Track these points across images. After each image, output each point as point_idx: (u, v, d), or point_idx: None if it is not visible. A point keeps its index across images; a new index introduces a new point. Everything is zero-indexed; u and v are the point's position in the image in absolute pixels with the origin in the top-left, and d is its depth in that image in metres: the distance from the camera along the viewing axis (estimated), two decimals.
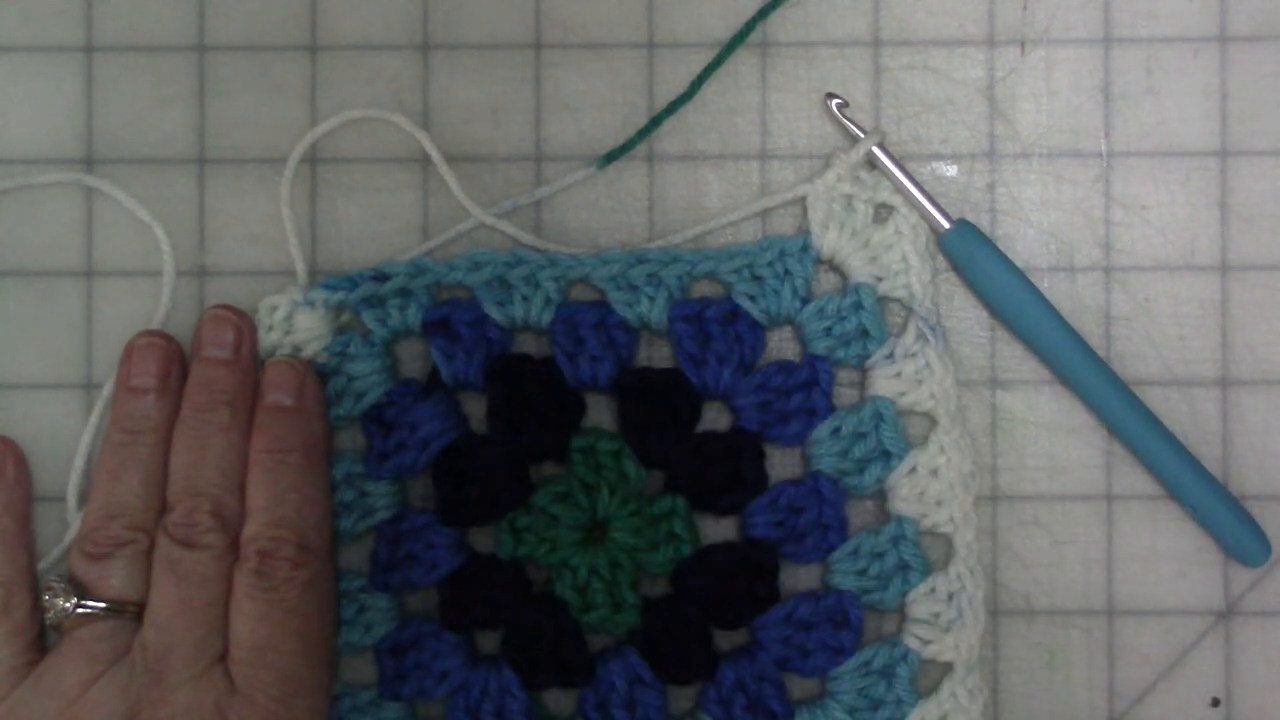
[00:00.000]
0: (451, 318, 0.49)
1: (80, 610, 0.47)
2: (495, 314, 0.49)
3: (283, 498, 0.47)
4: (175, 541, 0.46)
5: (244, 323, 0.49)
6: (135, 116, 0.51)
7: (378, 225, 0.51)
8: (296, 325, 0.49)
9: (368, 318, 0.49)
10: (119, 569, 0.47)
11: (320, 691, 0.47)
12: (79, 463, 0.50)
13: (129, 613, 0.47)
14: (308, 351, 0.49)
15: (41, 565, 0.49)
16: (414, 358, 0.50)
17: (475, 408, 0.50)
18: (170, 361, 0.49)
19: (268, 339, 0.49)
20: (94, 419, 0.50)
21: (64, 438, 0.50)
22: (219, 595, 0.46)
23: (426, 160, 0.50)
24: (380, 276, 0.49)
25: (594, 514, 0.49)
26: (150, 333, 0.49)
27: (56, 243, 0.51)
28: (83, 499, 0.50)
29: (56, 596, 0.47)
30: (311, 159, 0.51)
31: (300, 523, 0.47)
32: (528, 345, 0.50)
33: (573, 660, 0.49)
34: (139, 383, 0.48)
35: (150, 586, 0.47)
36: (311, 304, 0.49)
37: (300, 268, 0.50)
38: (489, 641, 0.50)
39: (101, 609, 0.47)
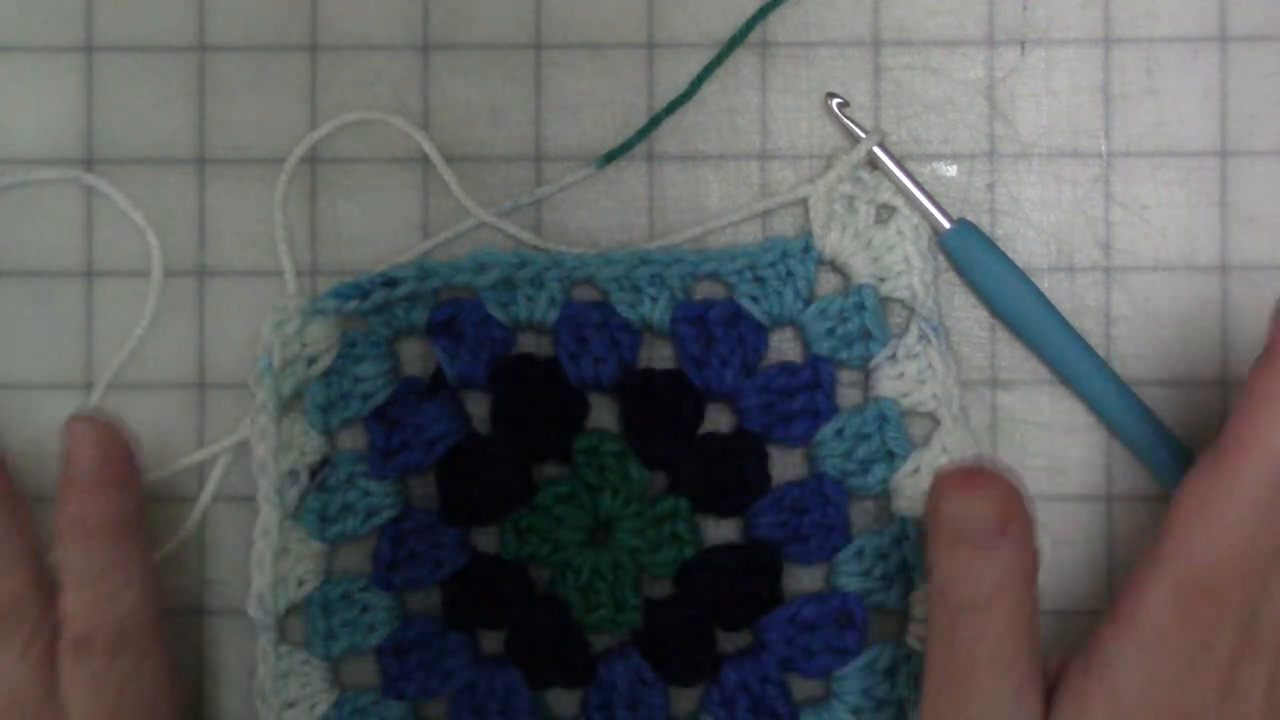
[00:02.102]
0: (458, 318, 0.49)
1: None
2: (499, 314, 0.49)
3: (93, 582, 0.44)
4: None
5: None
6: (135, 116, 0.51)
7: (378, 225, 0.51)
8: (309, 336, 0.49)
9: (373, 320, 0.49)
10: None
11: None
12: None
13: None
14: (323, 362, 0.49)
15: None
16: (414, 355, 0.50)
17: (477, 407, 0.50)
18: None
19: (283, 353, 0.49)
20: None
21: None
22: (31, 695, 0.44)
23: (426, 160, 0.50)
24: (391, 282, 0.49)
25: (597, 515, 0.49)
26: None
27: (56, 243, 0.51)
28: None
29: None
30: (311, 159, 0.51)
31: (115, 609, 0.44)
32: (530, 345, 0.50)
33: (575, 661, 0.49)
34: None
35: None
36: (323, 312, 0.49)
37: (289, 274, 0.50)
38: (490, 641, 0.50)
39: None
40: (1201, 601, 0.41)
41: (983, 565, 0.40)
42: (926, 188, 0.49)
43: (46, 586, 0.45)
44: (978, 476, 0.41)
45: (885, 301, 0.50)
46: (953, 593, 0.41)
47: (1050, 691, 0.42)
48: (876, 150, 0.49)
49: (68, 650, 0.44)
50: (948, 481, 0.41)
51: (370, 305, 0.49)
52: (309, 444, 0.49)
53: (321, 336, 0.49)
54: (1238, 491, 0.40)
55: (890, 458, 0.49)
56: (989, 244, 0.49)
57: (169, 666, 0.46)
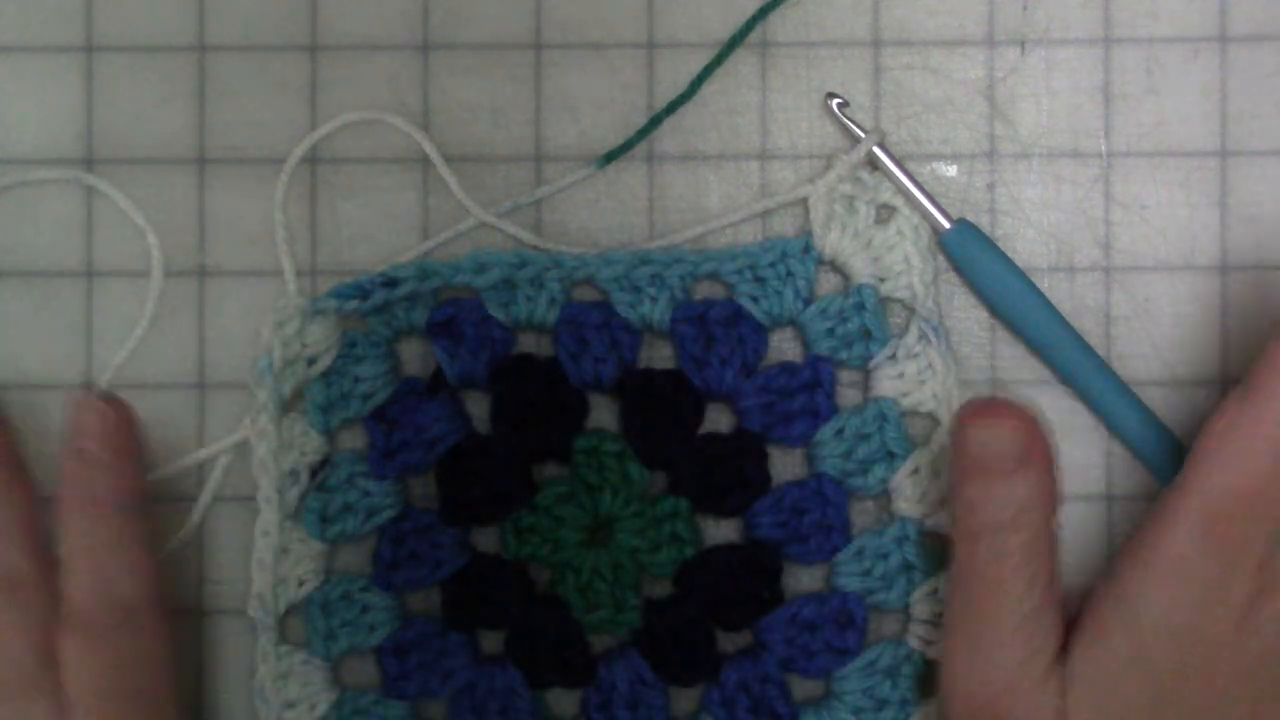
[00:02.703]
0: (458, 318, 0.49)
1: None
2: (499, 314, 0.49)
3: (96, 555, 0.45)
4: None
5: None
6: (135, 116, 0.51)
7: (378, 225, 0.51)
8: (309, 337, 0.49)
9: (373, 320, 0.49)
10: None
11: None
12: None
13: None
14: (323, 362, 0.49)
15: None
16: (414, 355, 0.50)
17: (477, 408, 0.50)
18: None
19: (283, 353, 0.49)
20: None
21: (63, 437, 0.50)
22: (29, 667, 0.44)
23: (426, 160, 0.50)
24: (390, 282, 0.49)
25: (597, 515, 0.49)
26: None
27: (56, 243, 0.51)
28: None
29: None
30: (311, 159, 0.51)
31: (117, 586, 0.45)
32: (530, 345, 0.50)
33: (575, 661, 0.49)
34: None
35: None
36: (323, 313, 0.49)
37: (289, 274, 0.50)
38: (490, 641, 0.50)
39: None
40: (1224, 530, 0.42)
41: (1004, 491, 0.42)
42: (926, 188, 0.49)
43: (47, 562, 0.45)
44: (998, 407, 0.43)
45: (885, 301, 0.50)
46: (975, 519, 0.43)
47: (1071, 622, 0.44)
48: (876, 150, 0.49)
49: (68, 627, 0.44)
50: (969, 413, 0.43)
51: (370, 305, 0.49)
52: (309, 444, 0.49)
53: (321, 337, 0.49)
54: (1265, 419, 0.42)
55: (890, 458, 0.49)
56: (989, 244, 0.49)
57: (169, 649, 0.46)
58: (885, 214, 0.50)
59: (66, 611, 0.45)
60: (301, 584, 0.49)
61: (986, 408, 0.43)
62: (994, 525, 0.43)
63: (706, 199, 0.51)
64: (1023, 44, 0.51)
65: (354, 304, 0.49)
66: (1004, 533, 0.42)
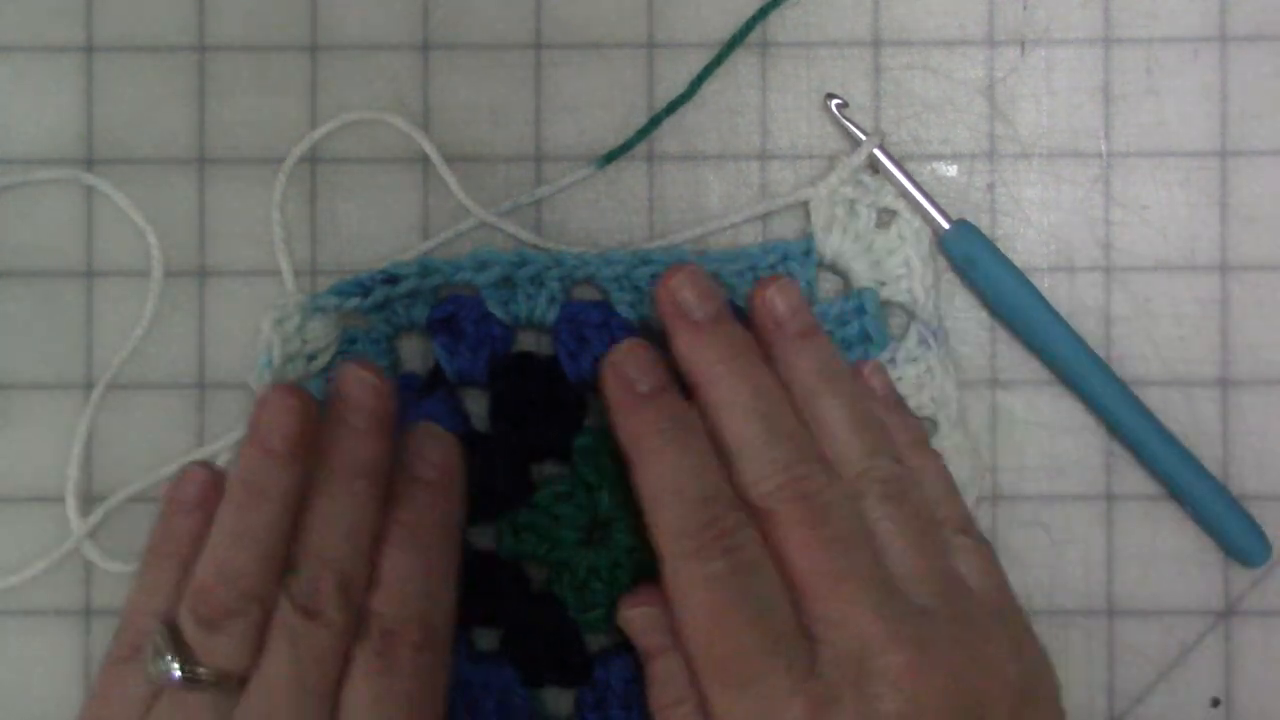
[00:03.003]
0: (458, 315, 0.49)
1: (185, 676, 0.43)
2: (499, 312, 0.49)
3: (415, 576, 0.45)
4: (297, 609, 0.43)
5: (387, 390, 0.46)
6: (135, 116, 0.51)
7: (378, 225, 0.51)
8: (310, 333, 0.49)
9: (374, 317, 0.49)
10: (229, 639, 0.43)
11: None
12: (75, 463, 0.50)
13: (233, 680, 0.43)
14: (323, 359, 0.49)
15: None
16: (413, 352, 0.50)
17: (476, 405, 0.50)
18: (307, 426, 0.45)
19: (283, 350, 0.49)
20: (88, 413, 0.50)
21: (64, 438, 0.50)
22: (333, 673, 0.43)
23: (426, 160, 0.50)
24: (392, 279, 0.49)
25: (595, 514, 0.49)
26: (287, 390, 0.45)
27: (56, 243, 0.51)
28: (83, 500, 0.50)
29: (159, 655, 0.43)
30: (311, 159, 0.51)
31: (429, 605, 0.45)
32: (529, 344, 0.50)
33: (571, 659, 0.49)
34: (273, 445, 0.44)
35: (264, 652, 0.43)
36: (323, 309, 0.49)
37: (287, 274, 0.50)
38: (486, 639, 0.50)
39: (207, 678, 0.43)
40: None
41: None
42: (926, 188, 0.49)
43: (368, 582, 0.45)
44: None
45: (885, 305, 0.50)
46: None
47: None
48: (876, 152, 0.49)
49: (372, 640, 0.44)
50: None
51: (371, 302, 0.49)
52: None
53: (322, 333, 0.49)
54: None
55: None
56: (989, 244, 0.49)
57: (449, 676, 0.46)
58: (886, 218, 0.50)
59: (374, 630, 0.44)
60: None
61: None
62: None
63: (706, 199, 0.51)
64: (1023, 44, 0.51)
65: (355, 301, 0.49)
66: None
